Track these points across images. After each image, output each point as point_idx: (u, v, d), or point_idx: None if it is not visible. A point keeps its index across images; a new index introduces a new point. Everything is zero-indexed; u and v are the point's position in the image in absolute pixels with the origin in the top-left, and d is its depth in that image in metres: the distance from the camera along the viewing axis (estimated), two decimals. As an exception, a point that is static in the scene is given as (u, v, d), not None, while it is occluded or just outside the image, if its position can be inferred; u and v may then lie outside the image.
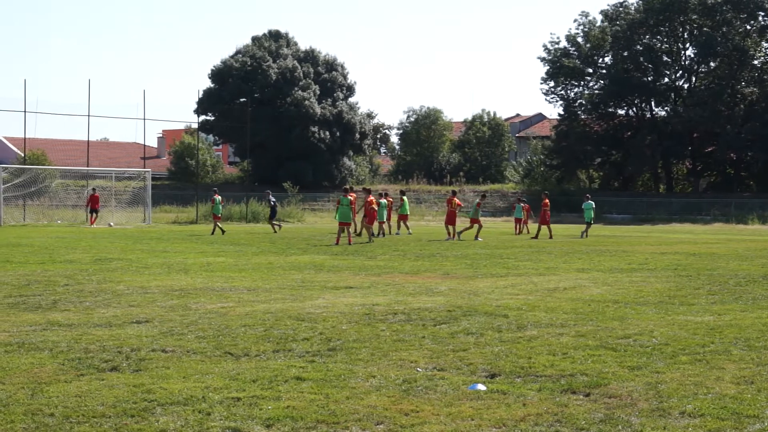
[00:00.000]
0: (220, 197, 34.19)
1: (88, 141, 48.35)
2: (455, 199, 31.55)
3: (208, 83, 65.11)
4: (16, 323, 10.02)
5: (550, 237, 31.50)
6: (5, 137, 68.34)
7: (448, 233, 30.27)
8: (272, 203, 36.24)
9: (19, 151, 58.41)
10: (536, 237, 31.65)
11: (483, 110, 78.34)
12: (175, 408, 6.28)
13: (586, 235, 32.33)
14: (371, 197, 29.63)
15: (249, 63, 62.68)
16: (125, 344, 8.68)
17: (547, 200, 33.12)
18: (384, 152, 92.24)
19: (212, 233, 31.76)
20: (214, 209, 33.43)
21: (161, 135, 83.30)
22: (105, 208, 42.42)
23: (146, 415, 6.11)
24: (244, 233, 33.72)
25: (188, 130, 67.70)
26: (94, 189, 42.03)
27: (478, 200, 32.17)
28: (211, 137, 71.98)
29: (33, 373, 7.39)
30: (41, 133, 70.39)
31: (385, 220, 31.97)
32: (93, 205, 39.96)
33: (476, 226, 30.56)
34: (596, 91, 67.27)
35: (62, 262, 18.48)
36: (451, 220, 30.63)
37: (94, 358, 8.01)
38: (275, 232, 33.76)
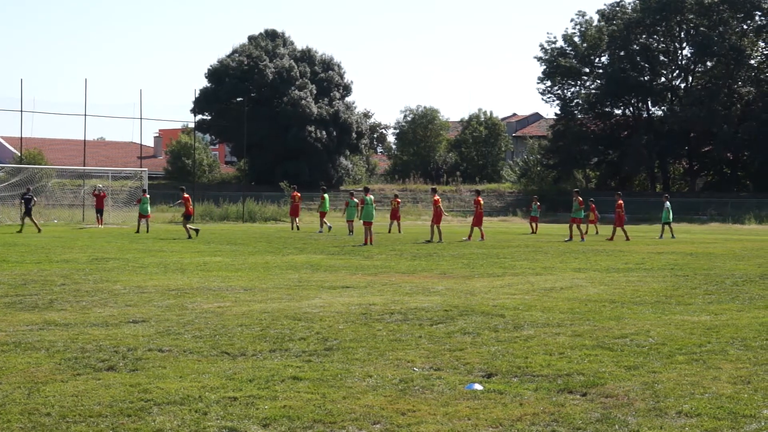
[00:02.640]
0: (148, 197, 34.54)
1: (85, 140, 48.35)
2: (480, 199, 30.76)
3: (204, 83, 65.10)
4: (13, 323, 10.01)
5: (627, 239, 30.17)
6: (2, 137, 68.29)
7: (470, 235, 29.64)
8: (28, 198, 33.84)
9: (15, 151, 58.33)
10: (628, 239, 30.17)
11: (480, 110, 78.42)
12: (171, 407, 6.28)
13: (662, 237, 32.20)
14: (437, 197, 29.68)
15: (245, 62, 62.59)
16: (122, 344, 8.67)
17: (621, 201, 31.79)
18: (381, 152, 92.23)
19: (137, 231, 32.94)
20: (141, 208, 33.73)
21: (158, 134, 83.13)
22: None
23: (143, 414, 6.11)
24: (241, 233, 33.72)
25: (185, 130, 67.60)
26: (99, 189, 42.09)
27: (580, 198, 31.16)
28: (207, 137, 71.82)
29: (29, 372, 7.38)
30: (38, 132, 70.53)
31: (354, 219, 32.61)
32: (99, 205, 40.12)
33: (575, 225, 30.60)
34: (593, 91, 67.32)
35: (59, 262, 18.47)
36: (478, 222, 29.80)
37: (90, 357, 8.00)
38: (20, 231, 31.99)
